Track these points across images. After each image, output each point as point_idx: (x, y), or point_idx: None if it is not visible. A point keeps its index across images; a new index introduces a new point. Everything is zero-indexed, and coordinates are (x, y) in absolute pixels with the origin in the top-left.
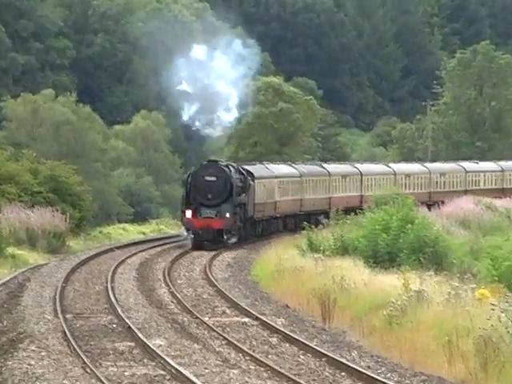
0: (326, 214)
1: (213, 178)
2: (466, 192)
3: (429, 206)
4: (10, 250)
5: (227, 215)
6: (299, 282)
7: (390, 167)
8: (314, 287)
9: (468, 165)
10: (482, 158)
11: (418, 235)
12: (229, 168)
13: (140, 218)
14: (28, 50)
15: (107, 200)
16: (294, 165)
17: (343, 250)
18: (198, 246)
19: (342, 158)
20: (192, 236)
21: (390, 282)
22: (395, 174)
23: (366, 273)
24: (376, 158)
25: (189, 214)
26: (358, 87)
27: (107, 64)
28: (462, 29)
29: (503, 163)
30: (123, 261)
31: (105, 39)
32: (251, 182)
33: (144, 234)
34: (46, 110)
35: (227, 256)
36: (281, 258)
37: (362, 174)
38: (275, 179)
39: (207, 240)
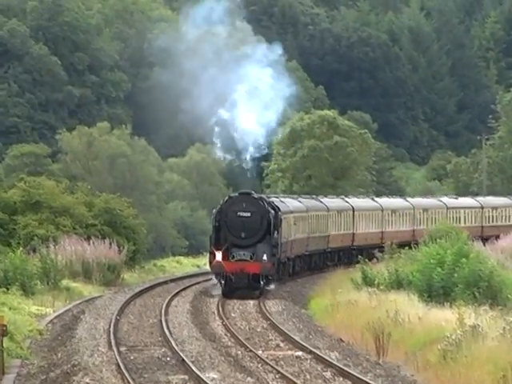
0: (379, 248)
1: (247, 214)
2: None
3: (483, 240)
4: (65, 282)
5: (264, 257)
6: (353, 316)
7: (441, 201)
8: (368, 321)
9: None
10: None
11: (473, 269)
12: (263, 201)
13: (194, 250)
14: (83, 83)
15: (161, 233)
16: (318, 198)
17: (397, 284)
18: (229, 293)
19: (396, 191)
20: (223, 282)
21: (444, 317)
22: (447, 207)
23: (420, 307)
24: (431, 192)
25: (219, 256)
26: (412, 121)
27: (163, 97)
28: None
29: None
30: (177, 293)
31: (160, 72)
32: (281, 218)
33: (198, 266)
34: (101, 142)
35: (281, 289)
36: (335, 291)
37: (414, 208)
38: (291, 214)
39: (240, 287)
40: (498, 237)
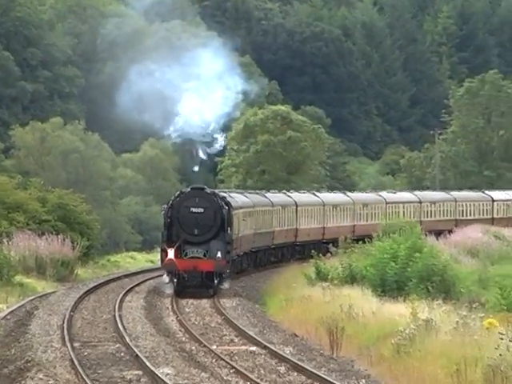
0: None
1: (200, 210)
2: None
3: (436, 235)
4: (18, 278)
5: (219, 255)
6: (307, 311)
7: (380, 196)
8: (322, 316)
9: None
10: (491, 187)
11: (427, 264)
12: (216, 197)
13: (148, 246)
14: (36, 79)
15: (115, 228)
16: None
17: (351, 278)
18: (182, 292)
19: (349, 186)
20: (175, 280)
21: (398, 311)
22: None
23: (374, 301)
24: (384, 186)
25: (171, 253)
26: (366, 116)
27: (115, 92)
28: (470, 58)
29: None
30: (131, 289)
31: (114, 67)
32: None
33: (152, 262)
34: (55, 138)
35: (235, 285)
36: (289, 286)
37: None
38: (240, 210)
39: (194, 285)
40: (439, 232)
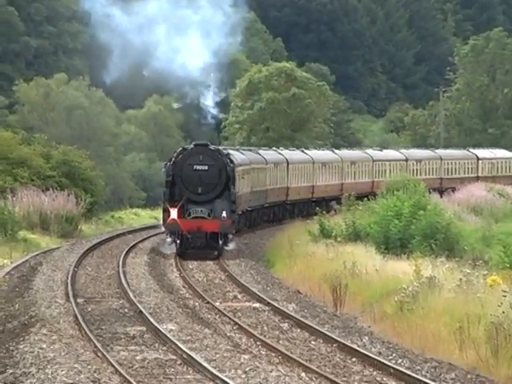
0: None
1: (204, 167)
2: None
3: (440, 193)
4: (22, 233)
5: (224, 214)
6: (311, 268)
7: (367, 153)
8: (326, 273)
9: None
10: (495, 145)
11: (430, 221)
12: (220, 154)
13: (152, 202)
14: (41, 34)
15: (119, 185)
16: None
17: (355, 236)
18: (184, 254)
19: (354, 144)
20: (178, 241)
21: (401, 269)
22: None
23: (377, 259)
24: (388, 144)
25: (174, 213)
26: (370, 73)
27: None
28: (474, 15)
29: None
30: (135, 245)
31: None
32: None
33: (156, 218)
34: (59, 94)
35: (239, 241)
36: (292, 243)
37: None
38: (240, 167)
39: (197, 247)
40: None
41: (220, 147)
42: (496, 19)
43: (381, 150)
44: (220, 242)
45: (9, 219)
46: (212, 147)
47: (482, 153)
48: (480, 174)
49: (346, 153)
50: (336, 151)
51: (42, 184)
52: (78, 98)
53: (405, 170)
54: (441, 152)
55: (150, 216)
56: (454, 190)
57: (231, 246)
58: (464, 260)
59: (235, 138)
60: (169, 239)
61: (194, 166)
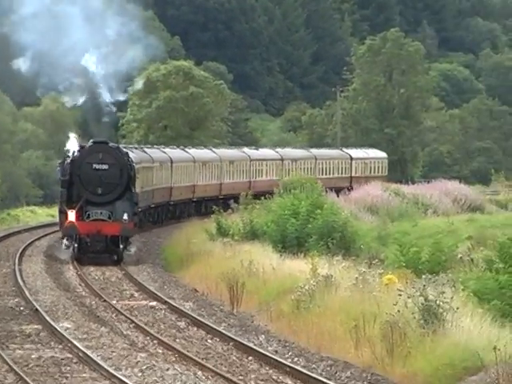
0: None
1: (104, 166)
2: None
3: (337, 192)
4: None
5: (125, 217)
6: (208, 267)
7: (245, 153)
8: (223, 271)
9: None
10: (390, 145)
11: (327, 220)
12: (121, 152)
13: (49, 200)
14: None
15: (16, 182)
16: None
17: (252, 234)
18: (82, 259)
19: (251, 143)
20: (75, 246)
21: (298, 267)
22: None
23: (274, 258)
24: (287, 143)
25: (72, 215)
26: (268, 72)
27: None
28: (371, 15)
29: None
30: (31, 243)
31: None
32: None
33: (53, 216)
34: None
35: (135, 239)
36: (189, 242)
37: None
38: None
39: (96, 251)
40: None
41: (120, 145)
42: (393, 19)
43: (257, 149)
44: (121, 246)
45: None
46: (112, 145)
47: (355, 152)
48: (353, 174)
49: (225, 151)
50: (214, 150)
51: None
52: None
53: (280, 169)
54: (315, 151)
55: (46, 214)
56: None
57: (132, 250)
58: (360, 259)
59: (133, 136)
60: (65, 243)
61: (94, 165)
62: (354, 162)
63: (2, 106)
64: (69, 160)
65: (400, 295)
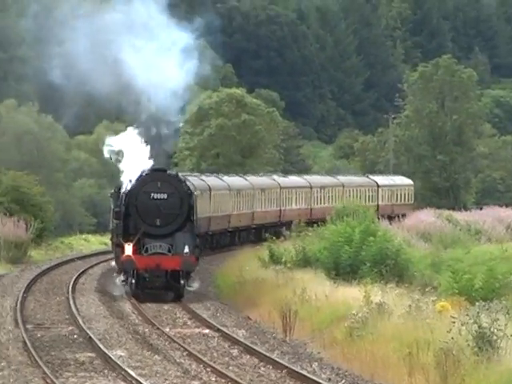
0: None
1: (163, 196)
2: None
3: (389, 219)
4: None
5: (186, 250)
6: (260, 294)
7: (275, 181)
8: (275, 299)
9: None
10: (443, 172)
11: (380, 247)
12: (180, 179)
13: (102, 228)
14: None
15: (69, 210)
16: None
17: (305, 261)
18: (141, 295)
19: (303, 170)
20: (133, 282)
21: (351, 295)
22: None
23: (327, 285)
24: (338, 170)
25: (129, 249)
26: (320, 99)
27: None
28: (424, 42)
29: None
30: (84, 271)
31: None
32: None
33: (105, 244)
34: (8, 119)
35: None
36: (242, 269)
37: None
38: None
39: (155, 287)
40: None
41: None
42: (445, 46)
43: (286, 177)
44: (182, 282)
45: None
46: (170, 173)
47: (381, 180)
48: (380, 202)
49: (255, 179)
50: (248, 178)
51: None
52: (28, 123)
53: (309, 197)
54: (343, 179)
55: (99, 242)
56: None
57: (194, 285)
58: (413, 286)
59: (185, 164)
60: (122, 278)
61: (152, 195)
62: (380, 189)
63: (55, 134)
64: (123, 190)
65: (454, 322)
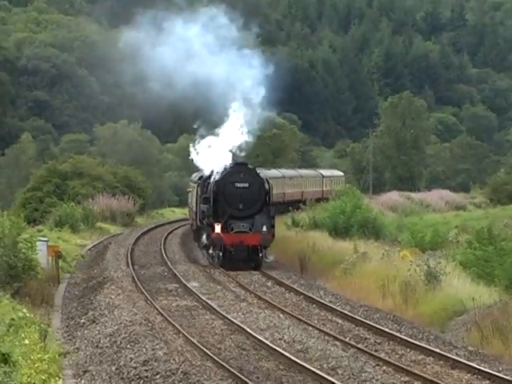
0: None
1: (245, 184)
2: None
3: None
4: (99, 224)
5: (264, 228)
6: (286, 246)
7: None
8: (296, 249)
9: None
10: (404, 166)
11: (364, 216)
12: (257, 172)
13: (183, 203)
14: (111, 94)
15: (161, 192)
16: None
17: (315, 225)
18: (227, 265)
19: (313, 166)
20: (220, 254)
21: (345, 247)
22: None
23: (329, 240)
24: (336, 166)
25: (218, 228)
26: (324, 120)
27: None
28: (392, 82)
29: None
30: (172, 231)
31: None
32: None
33: (185, 214)
34: (122, 133)
35: None
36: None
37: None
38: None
39: (239, 259)
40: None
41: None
42: (405, 85)
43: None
44: (260, 255)
45: (90, 214)
46: (250, 166)
47: (325, 172)
48: (324, 188)
49: (285, 171)
50: (280, 170)
51: (112, 192)
52: (135, 135)
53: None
54: (302, 172)
55: (181, 212)
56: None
57: (270, 258)
58: (385, 241)
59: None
60: (211, 253)
61: (236, 184)
62: (324, 179)
63: (152, 143)
64: (212, 180)
65: (411, 264)
